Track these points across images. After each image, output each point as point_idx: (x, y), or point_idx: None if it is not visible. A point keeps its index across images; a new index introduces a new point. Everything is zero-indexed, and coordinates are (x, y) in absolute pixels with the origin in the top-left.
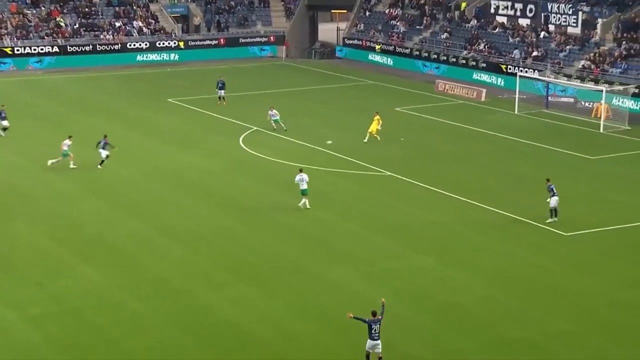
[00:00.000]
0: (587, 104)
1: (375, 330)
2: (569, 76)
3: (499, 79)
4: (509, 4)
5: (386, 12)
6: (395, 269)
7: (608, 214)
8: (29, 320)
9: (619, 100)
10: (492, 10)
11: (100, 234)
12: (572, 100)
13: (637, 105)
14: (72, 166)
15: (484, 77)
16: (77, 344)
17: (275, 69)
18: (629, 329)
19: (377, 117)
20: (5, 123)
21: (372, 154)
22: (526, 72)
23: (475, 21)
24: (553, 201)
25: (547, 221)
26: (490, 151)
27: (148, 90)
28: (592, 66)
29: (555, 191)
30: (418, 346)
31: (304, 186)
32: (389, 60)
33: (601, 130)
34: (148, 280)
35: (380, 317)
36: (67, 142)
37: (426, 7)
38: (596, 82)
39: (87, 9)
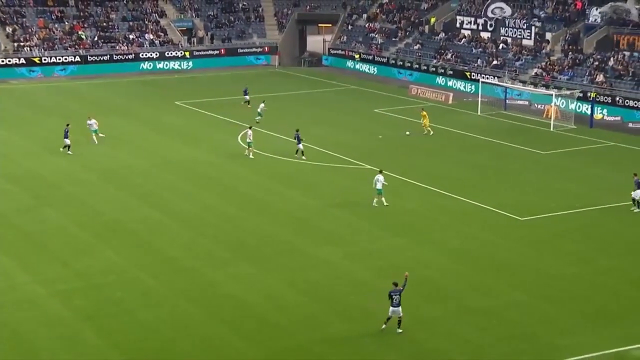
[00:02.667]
0: (539, 106)
1: (394, 300)
2: (524, 82)
3: (464, 85)
4: (472, 19)
5: (366, 26)
6: (375, 249)
7: (558, 201)
8: (57, 294)
9: (566, 103)
10: (458, 25)
11: (118, 219)
12: (526, 103)
13: (581, 108)
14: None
15: (451, 82)
16: (99, 314)
17: (269, 76)
18: (576, 299)
19: (424, 112)
20: (66, 141)
21: (353, 149)
22: (487, 78)
23: (444, 34)
24: (636, 194)
25: (634, 210)
26: (456, 147)
27: (158, 94)
28: (544, 73)
29: None
30: None
31: (379, 186)
32: (368, 68)
33: (551, 129)
34: (160, 260)
35: (401, 288)
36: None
37: (402, 22)
38: (547, 87)
39: (105, 24)
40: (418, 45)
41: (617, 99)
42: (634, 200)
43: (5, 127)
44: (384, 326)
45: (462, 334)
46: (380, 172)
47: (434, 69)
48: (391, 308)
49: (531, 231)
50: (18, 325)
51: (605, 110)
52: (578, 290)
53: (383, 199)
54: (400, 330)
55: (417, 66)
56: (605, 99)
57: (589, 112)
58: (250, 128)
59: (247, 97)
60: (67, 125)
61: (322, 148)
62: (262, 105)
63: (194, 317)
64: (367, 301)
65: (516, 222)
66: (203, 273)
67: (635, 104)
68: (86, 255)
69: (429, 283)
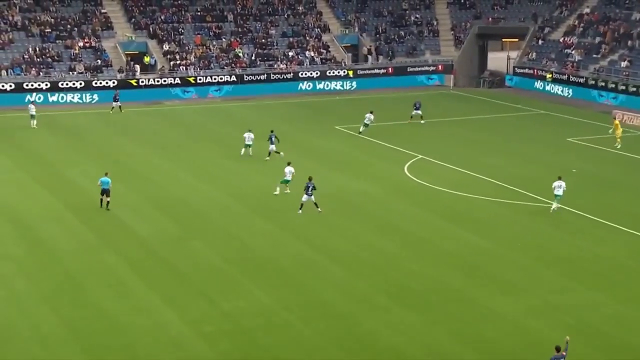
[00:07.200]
0: None
1: None
2: None
3: None
4: None
5: (560, 40)
6: (562, 303)
7: None
8: (203, 337)
9: None
10: None
11: (268, 255)
12: None
13: None
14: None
15: None
16: None
17: (443, 98)
18: None
19: (617, 121)
20: (272, 147)
21: (538, 183)
22: None
23: None
24: None
25: None
26: None
27: (317, 117)
28: None
29: None
30: None
31: (559, 192)
32: (562, 90)
33: None
34: (313, 303)
35: (564, 353)
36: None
37: (607, 34)
38: None
39: (263, 40)
40: (626, 62)
41: None
42: None
43: (152, 151)
44: None
45: None
46: (559, 177)
47: None
48: None
49: None
50: None
51: None
52: None
53: (559, 204)
54: None
55: (624, 87)
56: None
57: None
58: (289, 164)
59: (419, 111)
60: (272, 131)
61: (499, 181)
62: (369, 115)
63: None
64: None
65: None
66: (360, 320)
67: None
68: (234, 294)
69: (634, 351)
